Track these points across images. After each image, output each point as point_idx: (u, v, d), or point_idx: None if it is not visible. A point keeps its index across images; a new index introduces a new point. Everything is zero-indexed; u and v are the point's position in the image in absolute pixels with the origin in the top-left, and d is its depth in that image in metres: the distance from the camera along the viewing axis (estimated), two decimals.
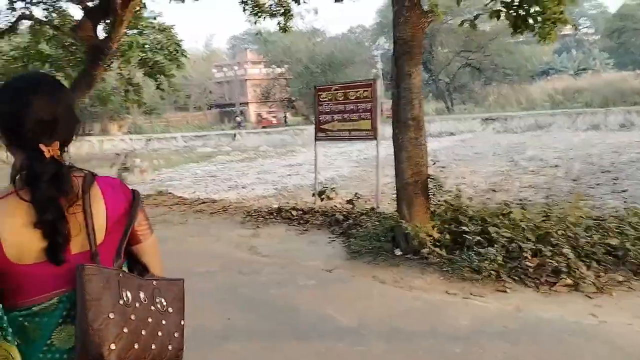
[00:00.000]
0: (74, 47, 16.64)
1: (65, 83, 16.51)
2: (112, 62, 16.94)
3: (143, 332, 1.39)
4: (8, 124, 1.42)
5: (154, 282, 1.52)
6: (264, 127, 47.34)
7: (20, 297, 1.40)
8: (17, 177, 1.39)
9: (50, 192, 1.35)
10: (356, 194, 9.04)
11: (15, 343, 1.34)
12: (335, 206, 9.13)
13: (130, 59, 18.05)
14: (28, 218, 1.35)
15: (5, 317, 1.35)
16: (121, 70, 18.73)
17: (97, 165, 26.04)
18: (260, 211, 9.36)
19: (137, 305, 1.41)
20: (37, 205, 1.35)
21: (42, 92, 1.44)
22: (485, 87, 46.58)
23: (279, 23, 13.73)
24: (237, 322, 4.54)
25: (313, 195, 9.54)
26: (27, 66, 18.20)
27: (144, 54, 18.46)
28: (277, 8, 13.37)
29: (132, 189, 1.61)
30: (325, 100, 9.38)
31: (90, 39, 11.44)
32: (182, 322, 1.53)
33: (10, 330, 1.34)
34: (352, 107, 8.85)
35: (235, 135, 43.17)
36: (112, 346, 1.31)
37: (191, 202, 11.08)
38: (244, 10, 13.42)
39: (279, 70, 52.23)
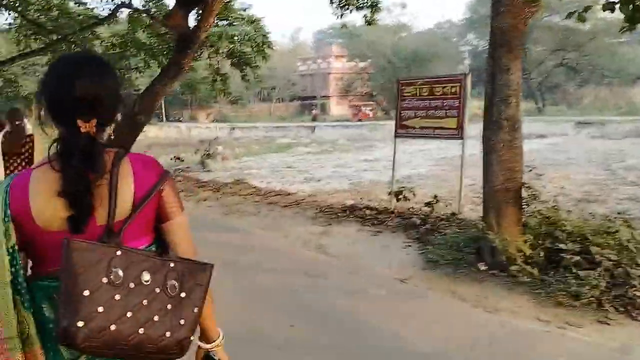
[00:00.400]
0: (167, 36, 16.96)
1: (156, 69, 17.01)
2: (201, 52, 17.25)
3: (128, 315, 1.32)
4: (52, 100, 1.48)
5: (171, 264, 1.44)
6: (359, 120, 46.70)
7: (48, 265, 1.46)
8: (51, 149, 1.45)
9: (78, 163, 1.39)
10: (435, 196, 8.33)
11: (31, 310, 1.43)
12: (412, 208, 8.50)
13: (219, 50, 18.28)
14: (57, 187, 1.40)
15: (25, 284, 1.43)
16: (210, 59, 19.00)
17: (182, 150, 26.84)
18: (333, 208, 8.94)
19: (132, 285, 1.35)
20: (65, 175, 1.40)
21: (86, 72, 1.48)
22: (580, 89, 43.58)
23: (365, 16, 13.26)
24: (297, 333, 4.13)
25: (389, 194, 8.94)
26: (124, 53, 18.96)
27: (232, 45, 18.61)
28: (365, 1, 12.91)
29: (164, 168, 1.58)
30: (408, 95, 8.76)
31: (180, 27, 11.49)
32: (196, 310, 1.44)
33: (28, 297, 1.43)
34: (437, 104, 8.18)
35: (314, 127, 43.19)
36: (80, 323, 1.27)
37: (265, 192, 10.88)
38: (332, 2, 13.04)
39: (362, 64, 51.62)
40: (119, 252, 1.37)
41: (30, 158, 5.87)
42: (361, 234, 7.44)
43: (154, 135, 35.90)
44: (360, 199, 9.99)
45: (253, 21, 18.25)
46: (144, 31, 18.05)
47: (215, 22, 15.06)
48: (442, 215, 7.70)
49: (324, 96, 58.20)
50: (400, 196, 8.48)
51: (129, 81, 20.36)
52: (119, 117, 1.66)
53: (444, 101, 8.04)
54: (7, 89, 21.71)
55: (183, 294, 1.41)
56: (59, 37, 17.47)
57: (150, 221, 1.54)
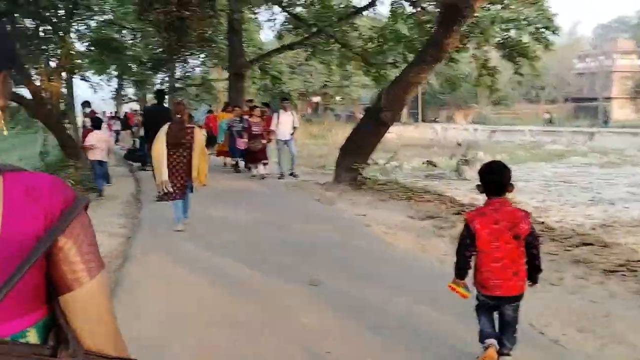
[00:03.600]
0: (429, 26, 14.54)
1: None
2: (467, 41, 14.26)
3: None
4: None
5: None
6: None
7: None
8: None
9: None
10: None
11: None
12: None
13: (489, 38, 14.96)
14: None
15: None
16: (479, 48, 15.70)
17: (436, 153, 24.10)
18: None
19: None
20: None
21: None
22: None
23: None
24: None
25: None
26: (381, 46, 17.00)
27: (505, 33, 15.13)
28: None
29: (75, 196, 0.84)
30: None
31: None
32: None
33: None
34: None
35: (593, 133, 35.92)
36: None
37: (564, 236, 6.38)
38: None
39: None
40: None
41: (191, 148, 6.14)
42: None
43: (409, 136, 34.04)
44: None
45: (534, 2, 14.31)
46: (404, 21, 15.78)
47: (487, 6, 12.11)
48: None
49: (606, 98, 48.81)
50: None
51: (384, 77, 18.29)
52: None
53: None
54: (272, 85, 21.93)
55: None
56: (317, 30, 16.48)
57: (33, 290, 0.79)
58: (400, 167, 10.67)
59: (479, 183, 2.84)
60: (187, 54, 16.23)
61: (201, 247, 5.69)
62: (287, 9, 16.42)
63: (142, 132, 12.26)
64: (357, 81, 32.54)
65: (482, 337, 2.82)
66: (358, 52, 17.51)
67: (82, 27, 16.60)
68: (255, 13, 18.37)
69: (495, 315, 2.90)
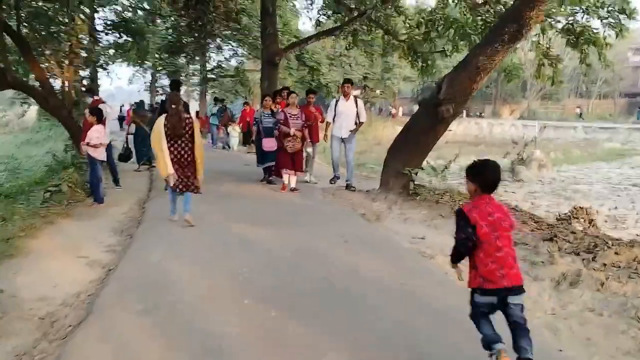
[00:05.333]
0: (485, 8, 12.22)
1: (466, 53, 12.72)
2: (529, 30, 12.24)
3: None
4: None
5: None
6: None
7: None
8: None
9: None
10: None
11: None
12: None
13: (552, 23, 12.81)
14: None
15: None
16: (543, 32, 13.53)
17: (485, 152, 21.88)
18: None
19: None
20: None
21: None
22: None
23: None
24: None
25: None
26: (429, 33, 15.03)
27: (571, 17, 12.90)
28: None
29: None
30: None
31: None
32: None
33: None
34: None
35: None
36: None
37: None
38: None
39: None
40: None
41: (192, 139, 5.93)
42: None
43: (452, 131, 31.83)
44: None
45: None
46: (456, 4, 13.81)
47: None
48: None
49: None
50: None
51: (431, 68, 16.27)
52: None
53: None
54: (309, 76, 20.14)
55: None
56: (358, 14, 14.61)
57: None
58: (447, 167, 8.76)
59: (470, 178, 2.78)
60: (213, 37, 14.41)
61: (205, 275, 4.02)
62: None
63: (132, 130, 11.04)
64: (399, 73, 30.42)
65: (489, 342, 2.67)
66: (403, 40, 15.59)
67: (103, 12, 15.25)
68: None
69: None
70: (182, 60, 25.37)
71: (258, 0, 15.81)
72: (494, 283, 2.65)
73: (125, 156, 10.70)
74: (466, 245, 2.70)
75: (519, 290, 2.67)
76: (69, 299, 3.88)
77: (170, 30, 16.50)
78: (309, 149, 9.09)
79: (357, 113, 8.62)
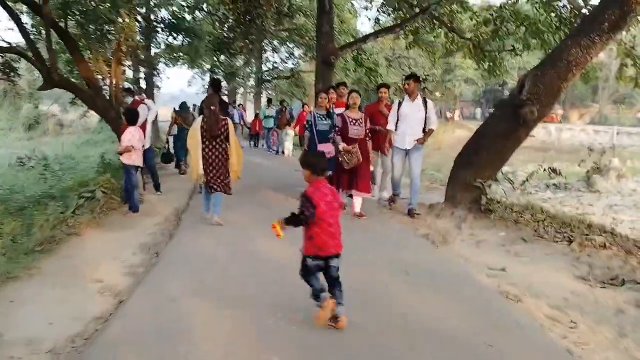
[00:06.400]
0: (560, 5, 11.60)
1: (537, 55, 11.26)
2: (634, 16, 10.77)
3: None
4: None
5: None
6: None
7: None
8: None
9: None
10: None
11: None
12: None
13: None
14: None
15: None
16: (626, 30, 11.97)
17: (555, 158, 20.07)
18: None
19: None
20: None
21: None
22: None
23: None
24: None
25: None
26: (497, 30, 13.71)
27: None
28: None
29: None
30: None
31: None
32: None
33: None
34: None
35: None
36: None
37: None
38: None
39: None
40: None
41: (227, 140, 5.94)
42: None
43: None
44: None
45: None
46: (528, 1, 12.55)
47: None
48: None
49: None
50: None
51: (499, 68, 14.92)
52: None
53: None
54: (366, 77, 19.07)
55: None
56: (419, 11, 13.44)
57: None
58: (529, 179, 7.49)
59: (304, 167, 3.35)
60: (264, 34, 13.51)
61: (228, 321, 3.12)
62: None
63: (174, 131, 10.59)
64: (461, 75, 28.76)
65: (318, 293, 3.25)
66: (469, 38, 14.30)
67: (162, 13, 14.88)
68: None
69: None
70: (239, 62, 24.96)
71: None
72: (325, 251, 3.21)
73: (167, 157, 10.17)
74: (307, 221, 3.17)
75: (338, 255, 3.26)
76: (60, 345, 3.06)
77: (218, 25, 15.86)
78: (379, 168, 7.50)
79: (426, 117, 6.66)
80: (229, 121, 5.95)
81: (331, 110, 7.45)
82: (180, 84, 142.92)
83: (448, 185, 6.98)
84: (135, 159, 6.52)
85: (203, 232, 5.63)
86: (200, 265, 4.48)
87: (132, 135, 6.41)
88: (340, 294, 3.24)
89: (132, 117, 6.48)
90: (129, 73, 17.44)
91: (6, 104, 29.48)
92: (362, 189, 6.40)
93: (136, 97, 7.75)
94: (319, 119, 7.21)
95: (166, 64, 22.73)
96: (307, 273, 3.26)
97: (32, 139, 27.25)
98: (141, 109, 6.93)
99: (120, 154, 6.45)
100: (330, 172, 6.85)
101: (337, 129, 6.53)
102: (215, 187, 5.87)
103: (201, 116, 5.92)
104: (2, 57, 9.89)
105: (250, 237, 5.37)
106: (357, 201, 6.47)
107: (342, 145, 6.34)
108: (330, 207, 3.20)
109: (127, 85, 10.63)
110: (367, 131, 6.56)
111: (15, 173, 12.81)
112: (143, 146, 6.77)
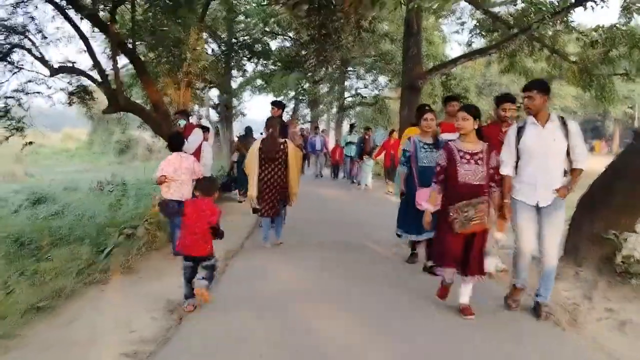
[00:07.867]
0: None
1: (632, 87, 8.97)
2: None
3: None
4: None
5: None
6: None
7: None
8: None
9: None
10: None
11: None
12: None
13: None
14: None
15: None
16: None
17: None
18: None
19: None
20: None
21: None
22: None
23: None
24: None
25: None
26: (608, 52, 11.82)
27: None
28: None
29: None
30: None
31: None
32: None
33: None
34: None
35: None
36: None
37: None
38: None
39: None
40: None
41: (286, 163, 5.78)
42: None
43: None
44: None
45: None
46: None
47: None
48: None
49: None
50: None
51: (609, 94, 13.00)
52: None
53: None
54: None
55: None
56: (518, 31, 11.78)
57: None
58: None
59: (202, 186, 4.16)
60: (340, 49, 12.26)
61: None
62: (486, 10, 12.04)
63: (235, 157, 10.03)
64: (559, 103, 26.10)
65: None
66: (574, 61, 12.44)
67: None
68: (437, 15, 14.29)
69: None
70: (324, 89, 24.22)
71: (402, 23, 13.73)
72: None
73: (225, 186, 9.32)
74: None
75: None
76: None
77: (291, 42, 15.04)
78: (497, 235, 4.97)
79: (569, 149, 3.90)
80: (290, 143, 5.77)
81: (439, 139, 5.20)
82: (267, 110, 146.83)
83: (568, 235, 5.31)
84: (173, 192, 5.45)
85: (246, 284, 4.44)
86: (229, 345, 3.27)
87: (168, 164, 5.40)
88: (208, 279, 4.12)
89: (173, 142, 5.48)
90: (213, 97, 17.07)
91: (100, 130, 30.89)
92: (473, 270, 3.91)
93: (191, 121, 6.85)
94: (423, 149, 5.06)
95: (252, 92, 22.46)
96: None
97: (122, 164, 28.08)
98: (194, 134, 5.99)
99: (159, 184, 5.47)
100: (425, 236, 4.97)
101: (438, 168, 4.00)
102: (271, 212, 5.82)
103: (260, 138, 5.83)
104: (77, 79, 9.57)
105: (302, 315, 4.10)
106: (465, 289, 4.06)
107: (455, 210, 3.82)
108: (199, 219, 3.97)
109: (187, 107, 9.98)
110: (494, 174, 3.97)
111: (94, 198, 12.57)
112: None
